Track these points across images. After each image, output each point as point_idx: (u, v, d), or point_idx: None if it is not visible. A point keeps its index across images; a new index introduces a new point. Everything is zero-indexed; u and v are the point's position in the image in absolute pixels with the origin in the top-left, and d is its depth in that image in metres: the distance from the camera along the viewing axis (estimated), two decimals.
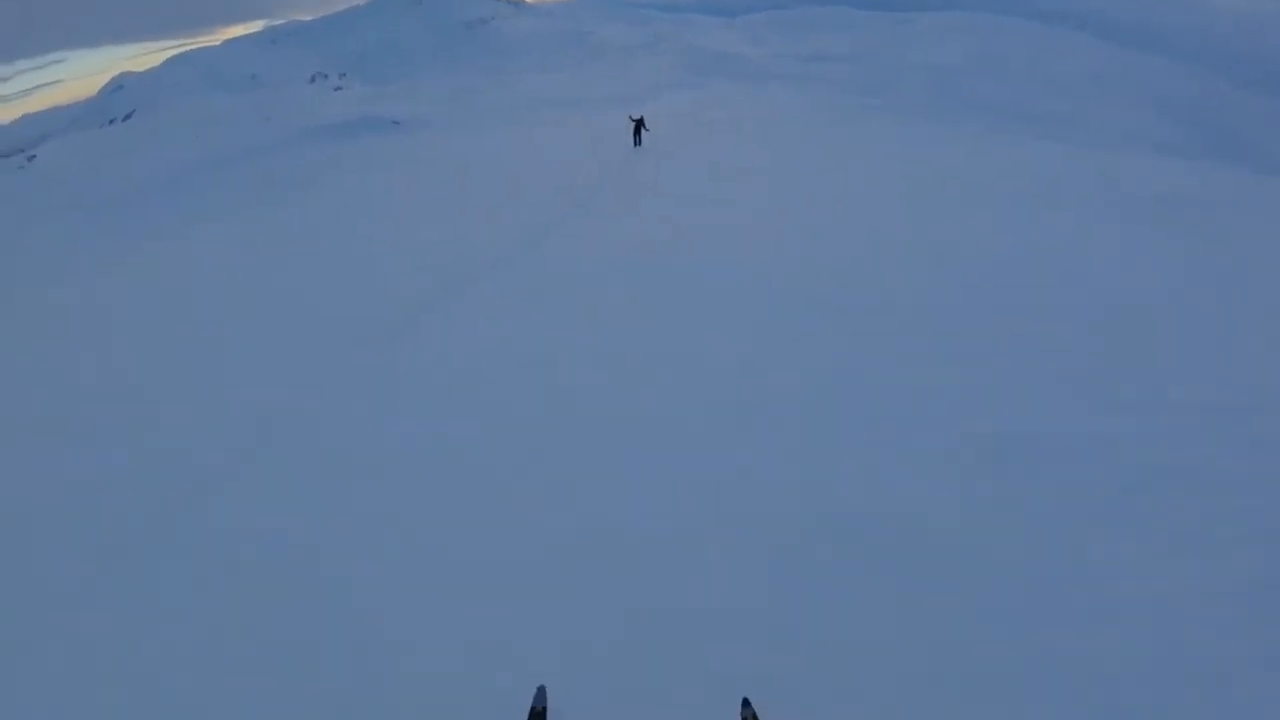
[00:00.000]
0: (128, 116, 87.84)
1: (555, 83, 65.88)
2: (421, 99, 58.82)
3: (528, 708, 4.29)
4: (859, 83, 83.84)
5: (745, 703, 4.09)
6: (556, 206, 16.18)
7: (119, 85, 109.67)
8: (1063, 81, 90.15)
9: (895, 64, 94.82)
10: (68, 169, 51.76)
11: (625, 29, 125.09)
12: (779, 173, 20.03)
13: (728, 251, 12.15)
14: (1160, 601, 4.53)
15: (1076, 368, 7.50)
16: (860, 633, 4.60)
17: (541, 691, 4.44)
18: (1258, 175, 29.94)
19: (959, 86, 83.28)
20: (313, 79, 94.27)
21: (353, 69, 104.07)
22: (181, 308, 13.17)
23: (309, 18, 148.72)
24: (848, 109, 53.90)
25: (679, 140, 28.02)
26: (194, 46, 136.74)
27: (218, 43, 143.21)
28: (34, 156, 63.48)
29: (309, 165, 31.50)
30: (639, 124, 26.82)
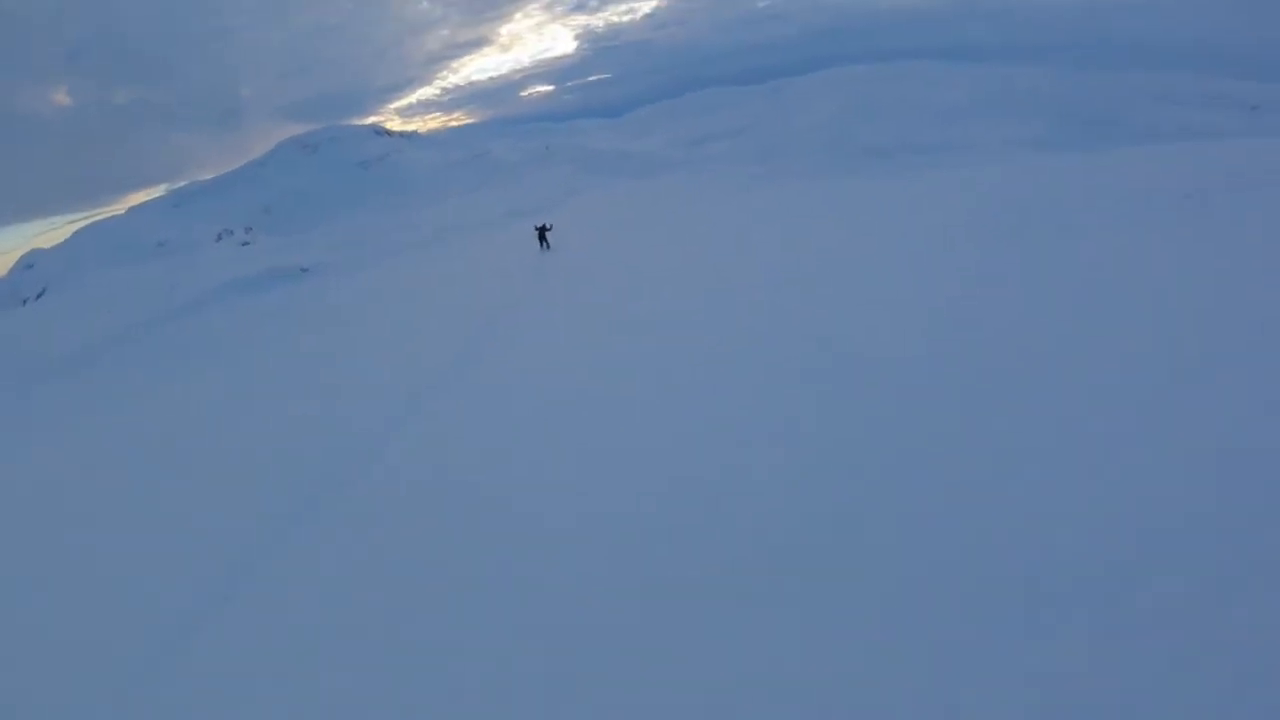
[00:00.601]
0: (40, 295, 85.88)
1: (456, 208, 66.71)
2: (325, 244, 58.73)
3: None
4: (746, 154, 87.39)
5: None
6: (465, 335, 15.90)
7: (29, 264, 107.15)
8: (935, 111, 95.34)
9: (777, 130, 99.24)
10: None
11: (517, 144, 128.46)
12: (676, 254, 20.59)
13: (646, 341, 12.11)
14: None
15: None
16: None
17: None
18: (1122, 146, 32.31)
19: (839, 138, 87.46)
20: (219, 237, 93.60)
21: (258, 223, 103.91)
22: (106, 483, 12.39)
23: (210, 176, 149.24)
24: (738, 182, 55.80)
25: (580, 241, 28.77)
26: (101, 216, 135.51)
27: (123, 211, 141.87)
28: None
29: (217, 329, 30.85)
30: (542, 231, 28.10)
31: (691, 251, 21.19)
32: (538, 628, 5.43)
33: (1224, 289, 8.65)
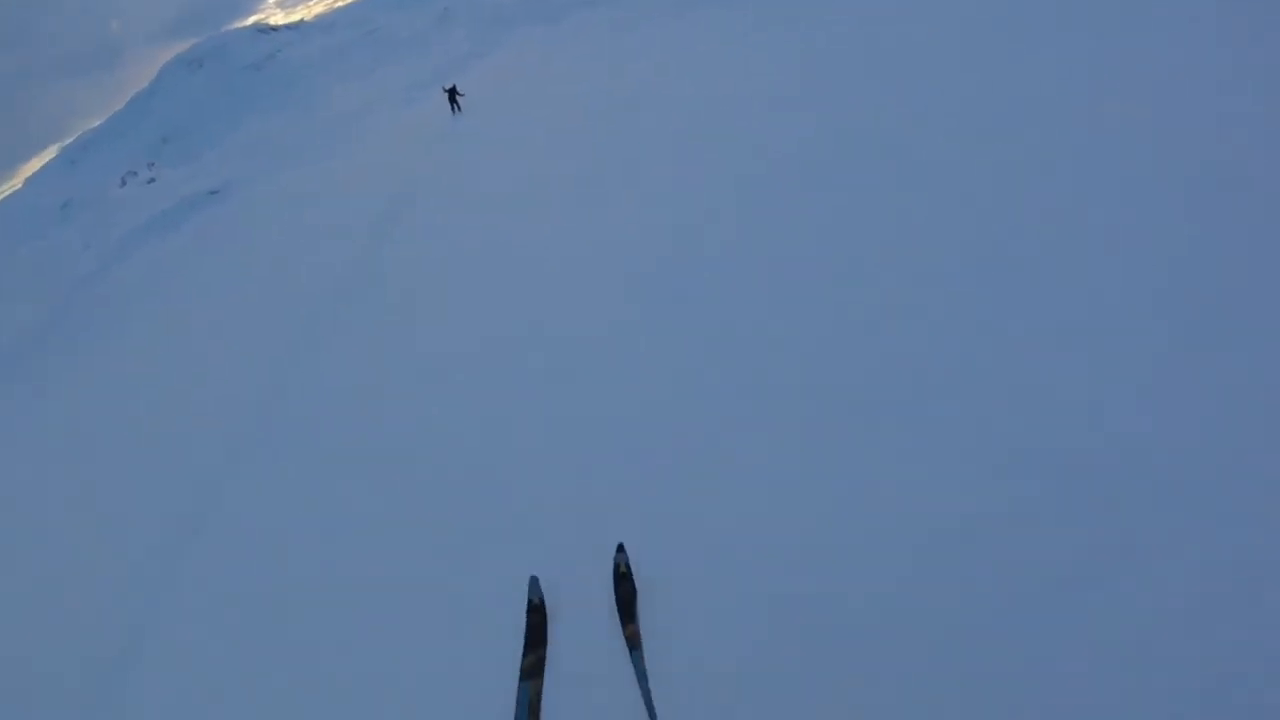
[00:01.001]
0: None
1: (356, 92, 62.84)
2: (230, 160, 55.45)
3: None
4: None
5: (620, 548, 4.58)
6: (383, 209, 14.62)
7: None
8: None
9: None
10: None
11: (412, 13, 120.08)
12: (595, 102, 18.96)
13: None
14: None
15: None
16: None
17: (535, 583, 4.69)
18: None
19: None
20: (123, 182, 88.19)
21: (160, 156, 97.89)
22: None
23: (98, 122, 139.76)
24: (643, 12, 52.35)
25: (491, 104, 26.82)
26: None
27: (20, 185, 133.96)
28: None
29: (134, 283, 29.03)
30: (452, 93, 26.92)
31: (595, 93, 19.64)
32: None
33: None
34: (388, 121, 35.98)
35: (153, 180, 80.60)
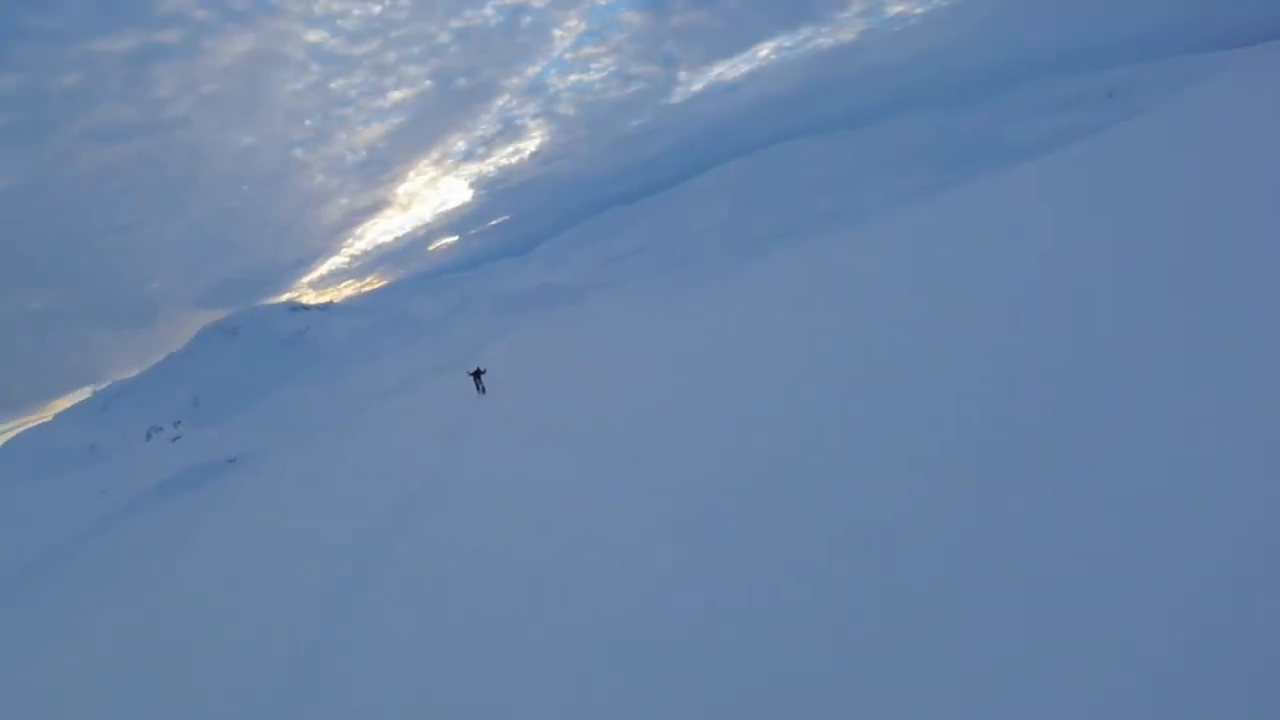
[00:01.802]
0: None
1: (381, 371, 65.52)
2: (255, 428, 56.73)
3: None
4: (654, 266, 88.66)
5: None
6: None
7: None
8: (820, 182, 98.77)
9: (678, 237, 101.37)
10: None
11: (434, 297, 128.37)
12: (607, 379, 19.51)
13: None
14: None
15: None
16: None
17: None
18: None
19: (737, 231, 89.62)
20: (149, 435, 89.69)
21: (187, 415, 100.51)
22: None
23: (135, 373, 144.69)
24: (658, 291, 56.24)
25: (512, 382, 27.87)
26: (26, 425, 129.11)
27: (50, 417, 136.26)
28: None
29: (142, 547, 28.61)
30: (477, 375, 27.48)
31: (620, 372, 20.31)
32: None
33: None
34: (411, 403, 36.97)
35: (178, 439, 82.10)
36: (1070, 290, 8.57)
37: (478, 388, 27.22)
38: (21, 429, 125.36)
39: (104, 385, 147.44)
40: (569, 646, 5.86)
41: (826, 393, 9.24)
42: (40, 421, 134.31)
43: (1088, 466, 4.88)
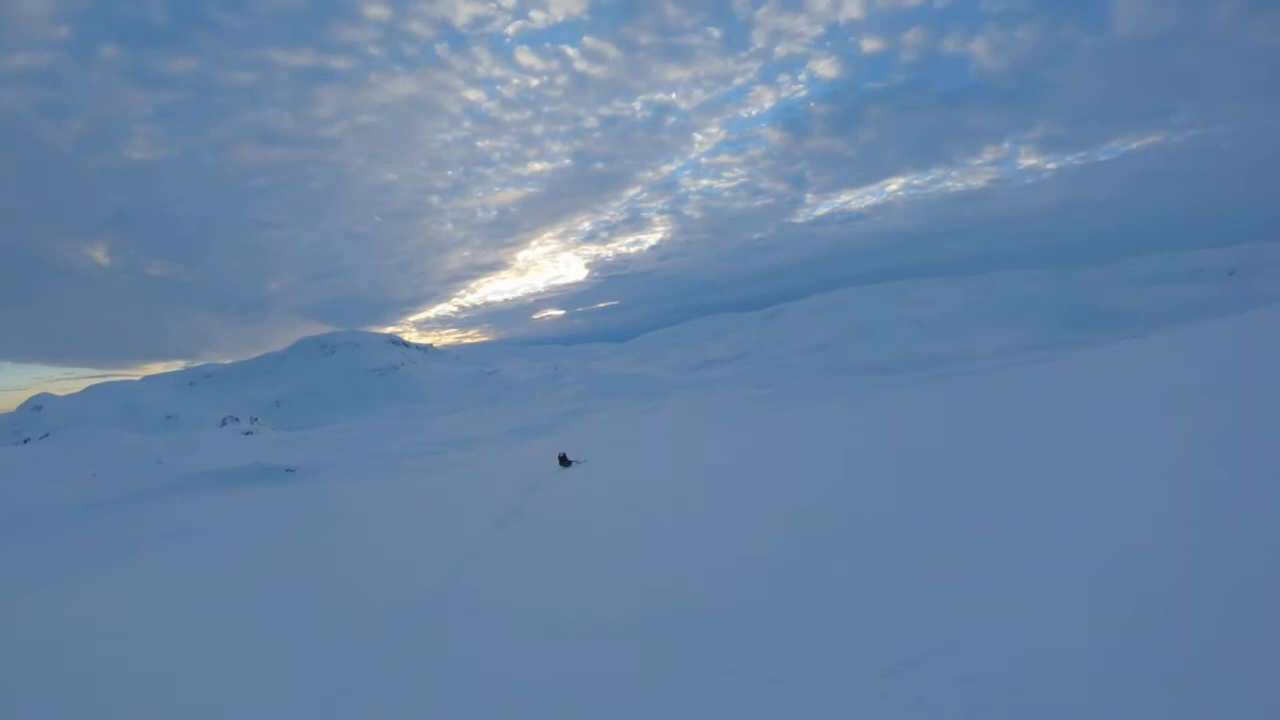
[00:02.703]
0: (44, 437, 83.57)
1: (462, 421, 65.55)
2: (325, 445, 56.85)
3: None
4: (748, 377, 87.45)
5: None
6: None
7: (38, 405, 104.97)
8: (928, 325, 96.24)
9: (777, 353, 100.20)
10: None
11: (527, 364, 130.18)
12: (686, 473, 18.20)
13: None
14: None
15: None
16: None
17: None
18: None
19: (838, 358, 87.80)
20: (224, 422, 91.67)
21: (265, 414, 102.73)
22: None
23: (228, 361, 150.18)
24: (745, 404, 54.85)
25: (590, 457, 26.76)
26: (115, 379, 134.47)
27: (137, 378, 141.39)
28: None
29: (177, 520, 28.32)
30: (565, 460, 26.01)
31: (699, 470, 18.94)
32: None
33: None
34: (488, 458, 36.33)
35: (249, 434, 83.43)
36: (1195, 478, 7.19)
37: (562, 464, 25.94)
38: (109, 380, 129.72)
39: (196, 363, 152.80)
40: None
41: (894, 543, 7.83)
42: (127, 379, 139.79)
43: None
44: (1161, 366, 15.99)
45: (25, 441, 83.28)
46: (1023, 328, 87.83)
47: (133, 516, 30.92)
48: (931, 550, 7.15)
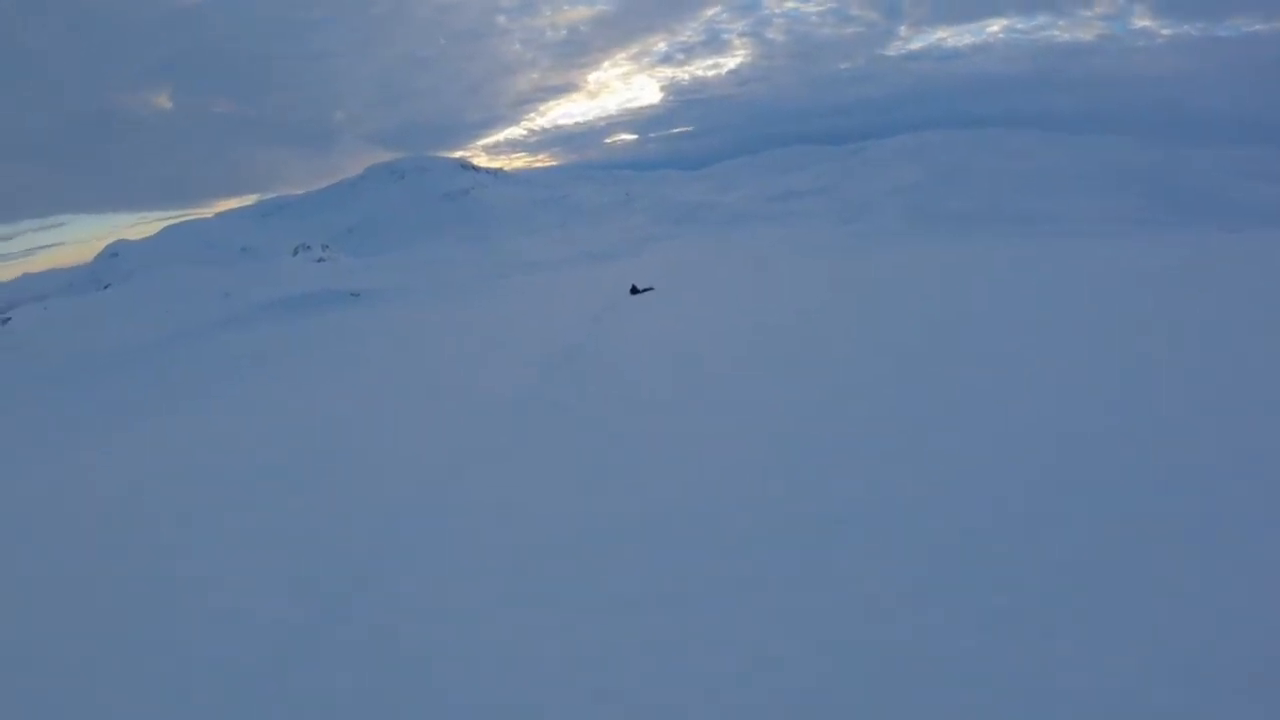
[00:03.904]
0: (125, 281, 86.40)
1: (533, 245, 63.68)
2: (396, 269, 55.89)
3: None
4: (828, 212, 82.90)
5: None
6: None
7: (114, 252, 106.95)
8: (1024, 180, 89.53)
9: (860, 191, 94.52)
10: (35, 335, 50.71)
11: (599, 189, 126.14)
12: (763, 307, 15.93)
13: None
14: None
15: None
16: None
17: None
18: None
19: (924, 203, 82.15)
20: (296, 251, 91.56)
21: (337, 241, 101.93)
22: None
23: (300, 192, 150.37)
24: (827, 239, 51.34)
25: (663, 285, 24.67)
26: (191, 217, 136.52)
27: (211, 215, 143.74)
28: (8, 319, 61.95)
29: (244, 348, 27.61)
30: (635, 290, 24.48)
31: (776, 303, 17.20)
32: None
33: None
34: (558, 282, 34.29)
35: (322, 260, 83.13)
36: None
37: (633, 291, 24.13)
38: (183, 220, 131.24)
39: (269, 196, 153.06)
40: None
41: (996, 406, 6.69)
42: (201, 216, 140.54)
43: None
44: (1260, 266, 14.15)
45: (106, 287, 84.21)
46: (1121, 197, 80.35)
47: (199, 351, 30.46)
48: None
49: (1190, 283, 12.76)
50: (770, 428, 6.96)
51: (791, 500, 5.25)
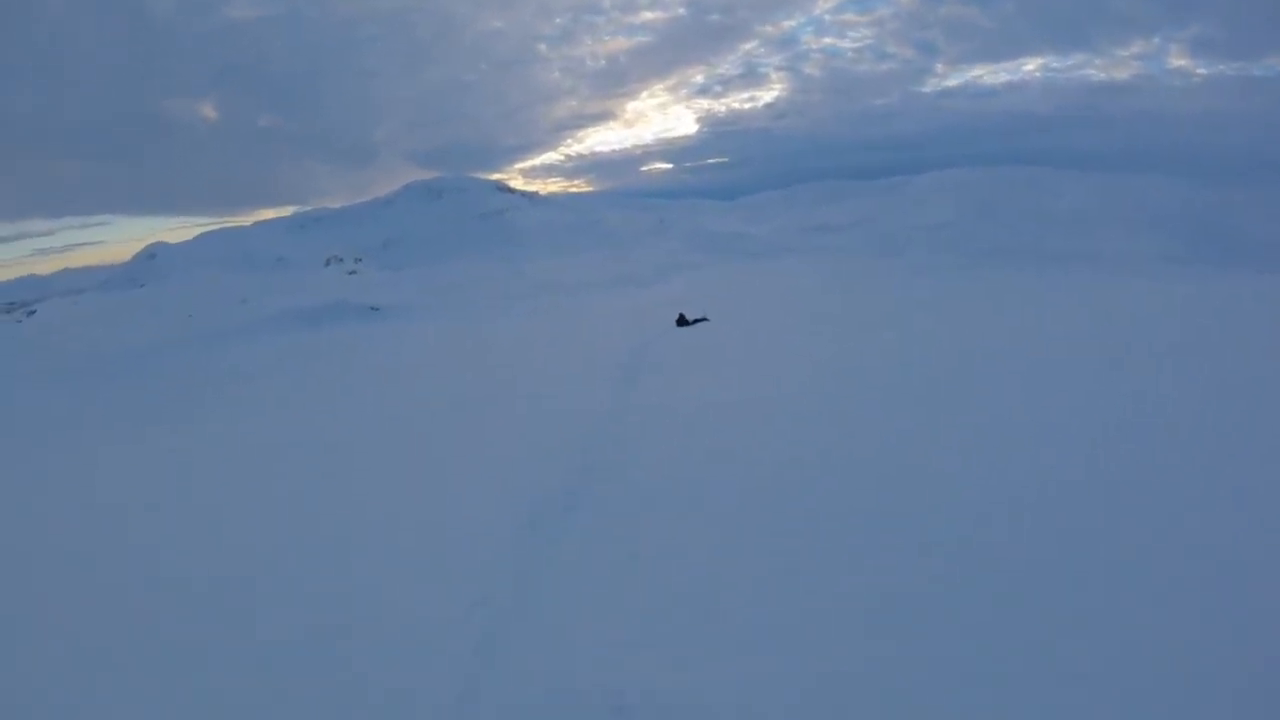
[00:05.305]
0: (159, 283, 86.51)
1: (563, 267, 62.14)
2: (423, 284, 54.57)
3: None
4: (862, 246, 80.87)
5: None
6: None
7: (152, 254, 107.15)
8: (1058, 218, 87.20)
9: (894, 225, 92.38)
10: (52, 330, 50.22)
11: (632, 215, 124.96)
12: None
13: None
14: None
15: None
16: None
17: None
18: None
19: (960, 238, 79.79)
20: (328, 262, 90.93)
21: (371, 255, 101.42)
22: None
23: (338, 205, 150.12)
24: (867, 273, 49.46)
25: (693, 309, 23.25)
26: (229, 225, 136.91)
27: (249, 224, 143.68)
28: (34, 312, 62.65)
29: (247, 362, 26.27)
30: (683, 320, 24.02)
31: (810, 337, 17.18)
32: None
33: None
34: (589, 307, 32.60)
35: (353, 273, 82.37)
36: None
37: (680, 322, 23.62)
38: (223, 226, 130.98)
39: (306, 209, 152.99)
40: None
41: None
42: (239, 225, 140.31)
43: None
44: None
45: (142, 286, 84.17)
46: (1155, 237, 77.82)
47: (192, 362, 29.62)
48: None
49: (1223, 324, 13.19)
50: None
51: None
